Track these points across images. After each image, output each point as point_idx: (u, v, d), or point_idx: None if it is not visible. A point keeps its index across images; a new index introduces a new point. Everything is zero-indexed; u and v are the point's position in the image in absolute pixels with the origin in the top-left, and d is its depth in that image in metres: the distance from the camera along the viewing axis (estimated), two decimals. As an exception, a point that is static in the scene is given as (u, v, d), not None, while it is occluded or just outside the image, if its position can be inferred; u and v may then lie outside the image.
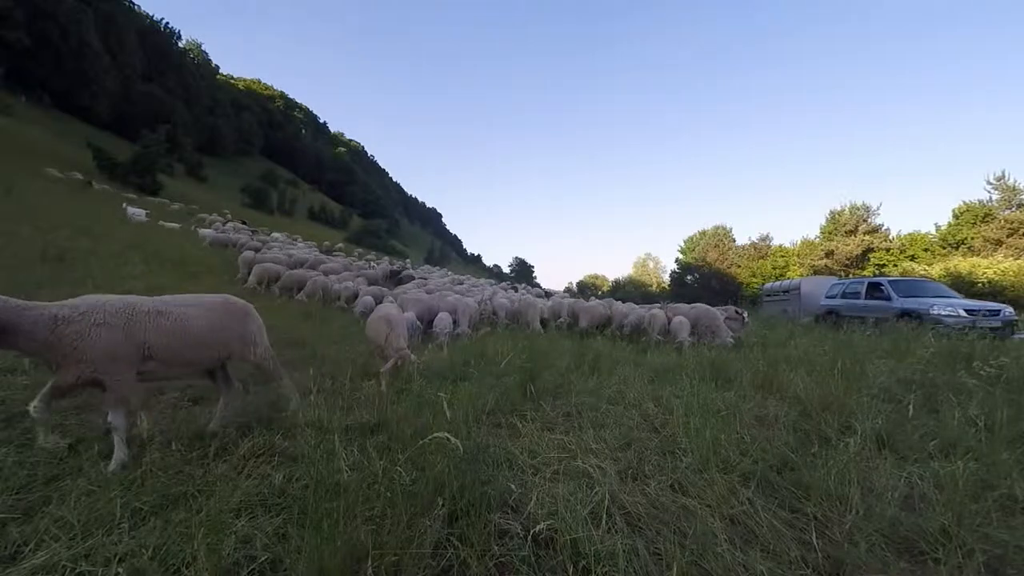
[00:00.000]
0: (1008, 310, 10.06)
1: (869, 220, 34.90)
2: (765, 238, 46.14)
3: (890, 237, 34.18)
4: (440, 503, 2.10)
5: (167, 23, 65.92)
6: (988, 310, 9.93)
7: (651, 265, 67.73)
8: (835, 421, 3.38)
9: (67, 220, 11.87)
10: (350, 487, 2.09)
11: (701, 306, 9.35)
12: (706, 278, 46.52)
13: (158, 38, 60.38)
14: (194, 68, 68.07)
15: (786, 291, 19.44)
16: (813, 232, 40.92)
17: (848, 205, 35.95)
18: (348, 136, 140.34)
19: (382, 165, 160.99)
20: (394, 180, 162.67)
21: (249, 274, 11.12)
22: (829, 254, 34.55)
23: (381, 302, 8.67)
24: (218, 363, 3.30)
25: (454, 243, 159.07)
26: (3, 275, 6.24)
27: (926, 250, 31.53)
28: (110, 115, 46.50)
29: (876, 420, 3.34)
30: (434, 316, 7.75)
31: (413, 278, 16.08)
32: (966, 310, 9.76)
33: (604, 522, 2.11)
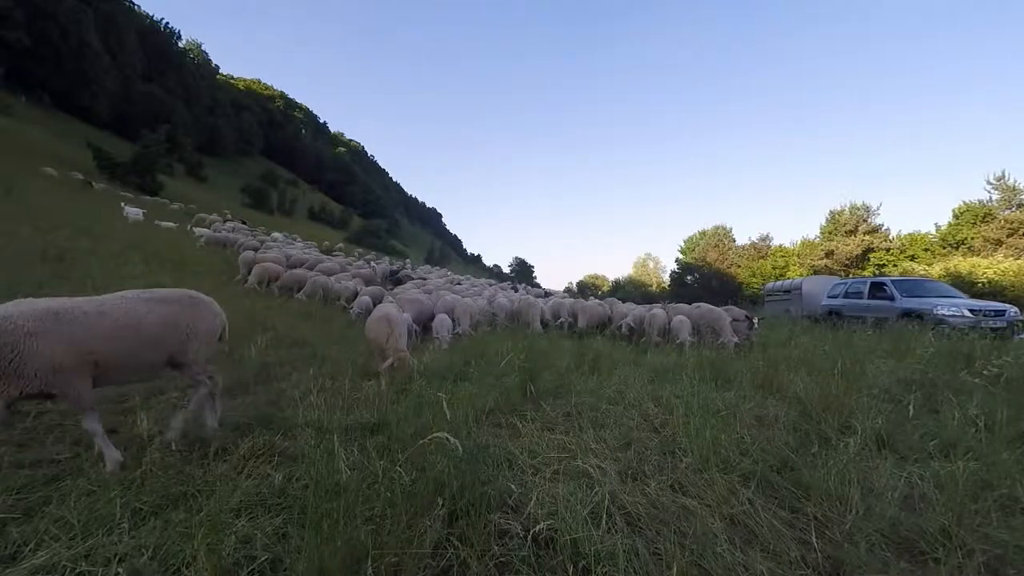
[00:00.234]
0: (1013, 310, 9.87)
1: (869, 220, 34.88)
2: (765, 238, 46.14)
3: (890, 237, 34.17)
4: (440, 503, 2.10)
5: (167, 23, 65.99)
6: (993, 310, 9.74)
7: (651, 265, 67.70)
8: (835, 421, 3.37)
9: (67, 220, 11.87)
10: (350, 487, 2.09)
11: (705, 306, 9.21)
12: (706, 278, 46.50)
13: (158, 38, 60.39)
14: (194, 68, 68.08)
15: (788, 291, 19.35)
16: (813, 232, 40.89)
17: (848, 205, 35.95)
18: (348, 136, 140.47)
19: (382, 165, 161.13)
20: (394, 180, 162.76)
21: (249, 274, 11.11)
22: (829, 254, 34.53)
23: (379, 302, 8.67)
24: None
25: (454, 243, 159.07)
26: (3, 275, 6.24)
27: (926, 250, 31.51)
28: (110, 115, 46.51)
29: (876, 420, 3.34)
30: (431, 317, 7.74)
31: (411, 278, 16.09)
32: (970, 310, 9.60)
33: (604, 522, 2.10)
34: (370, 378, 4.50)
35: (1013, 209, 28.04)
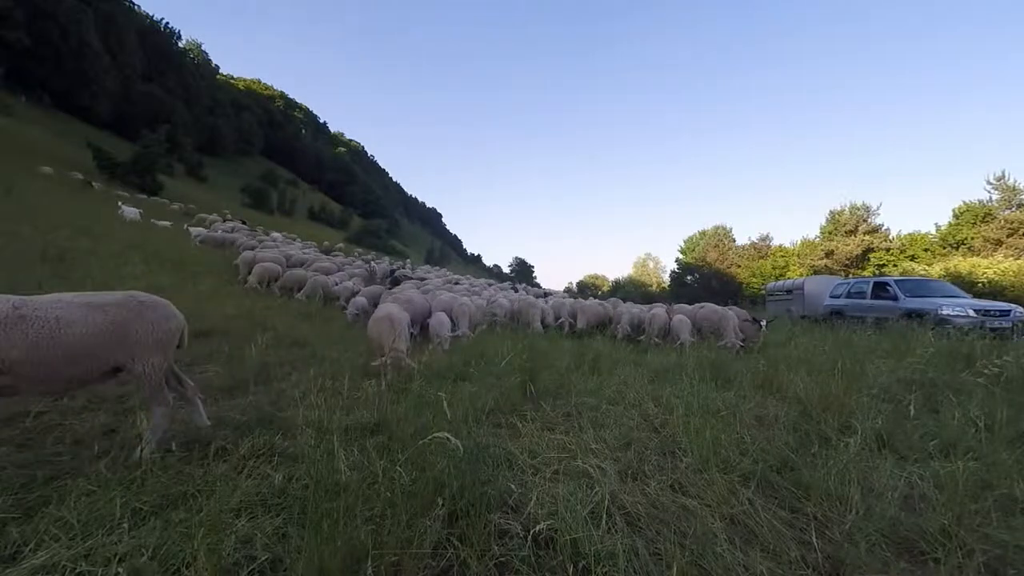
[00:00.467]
0: (1019, 310, 9.68)
1: (869, 220, 34.87)
2: (765, 238, 46.13)
3: (890, 237, 34.16)
4: (440, 503, 2.10)
5: (167, 23, 65.97)
6: (998, 310, 9.61)
7: (651, 265, 67.68)
8: (835, 421, 3.37)
9: (67, 220, 11.87)
10: (350, 487, 2.09)
11: (709, 306, 9.08)
12: (706, 278, 46.49)
13: (158, 38, 60.38)
14: (194, 68, 68.09)
15: (789, 291, 19.29)
16: (813, 232, 40.92)
17: (848, 205, 35.94)
18: (348, 136, 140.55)
19: (382, 165, 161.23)
20: (394, 180, 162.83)
21: (249, 274, 11.11)
22: (829, 254, 34.54)
23: (378, 302, 8.65)
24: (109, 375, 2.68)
25: (454, 243, 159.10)
26: (3, 275, 6.24)
27: (926, 250, 31.51)
28: (110, 115, 46.50)
29: (876, 420, 3.34)
30: (426, 316, 7.68)
31: (409, 278, 16.07)
32: (975, 310, 9.43)
33: (604, 522, 2.11)
34: (370, 378, 4.49)
35: (1013, 209, 28.03)
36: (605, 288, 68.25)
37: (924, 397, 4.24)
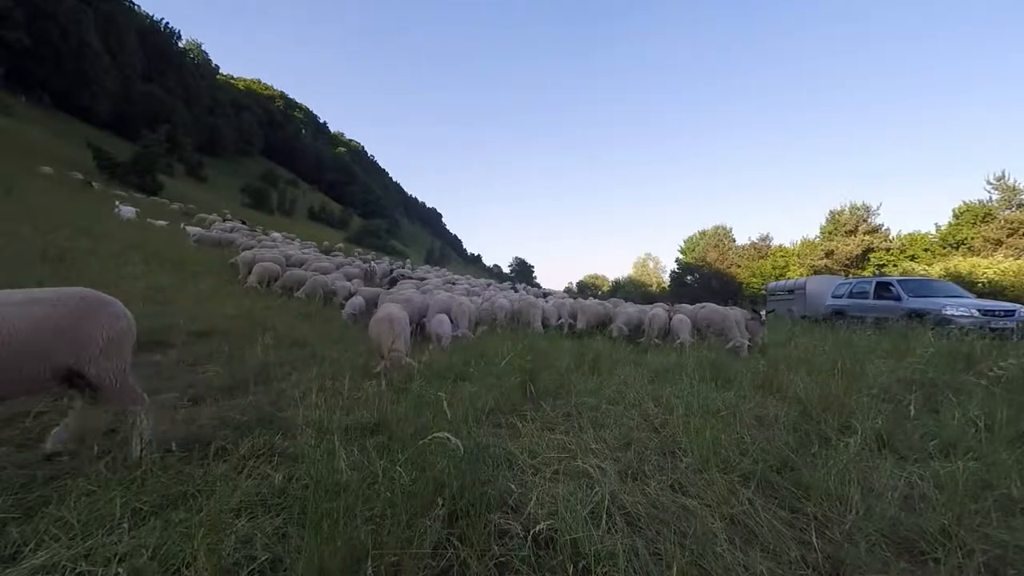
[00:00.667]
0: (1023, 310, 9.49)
1: (869, 220, 34.91)
2: (765, 238, 46.18)
3: (890, 237, 34.20)
4: (440, 503, 2.10)
5: (167, 23, 65.98)
6: (1003, 310, 9.47)
7: (651, 265, 67.73)
8: (835, 421, 3.37)
9: (67, 220, 11.87)
10: (350, 487, 2.09)
11: (710, 306, 8.97)
12: (706, 278, 46.53)
13: (158, 38, 60.39)
14: (194, 68, 68.10)
15: (791, 291, 19.22)
16: (813, 232, 40.99)
17: (848, 205, 35.99)
18: (348, 136, 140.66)
19: (382, 165, 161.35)
20: (394, 180, 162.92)
21: (249, 273, 11.11)
22: (829, 254, 34.57)
23: (376, 302, 8.65)
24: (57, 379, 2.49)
25: (454, 243, 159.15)
26: (3, 275, 6.24)
27: (926, 250, 31.54)
28: (110, 115, 46.51)
29: (876, 420, 3.34)
30: (424, 316, 7.67)
31: (408, 278, 16.05)
32: (980, 310, 9.32)
33: (604, 522, 2.11)
34: (370, 378, 4.49)
35: (1013, 209, 28.06)
36: (605, 288, 68.31)
37: (924, 397, 4.24)
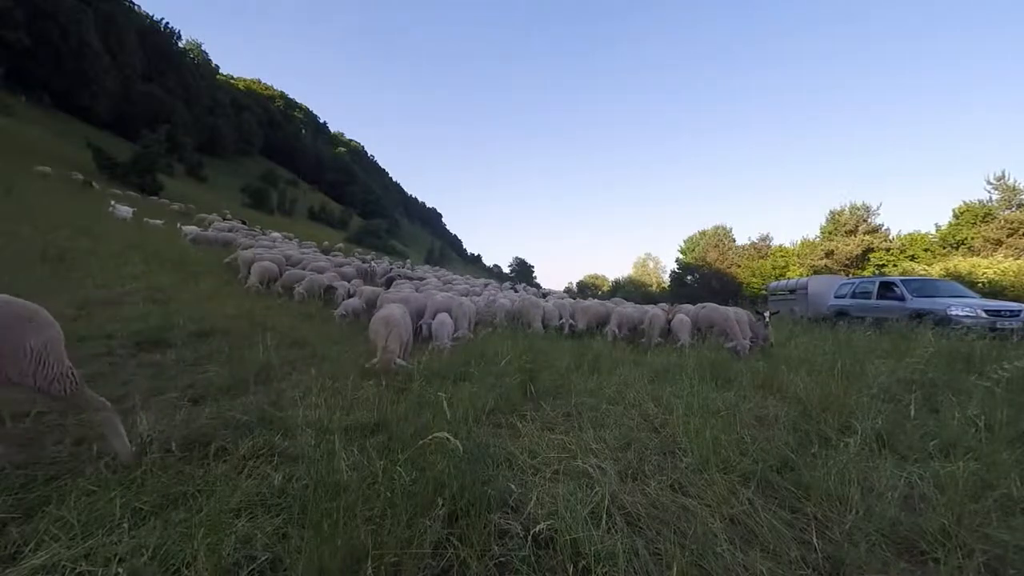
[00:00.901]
0: None
1: (869, 220, 34.88)
2: (765, 238, 46.15)
3: (890, 237, 34.17)
4: (440, 503, 2.10)
5: (167, 23, 65.97)
6: (1009, 310, 9.25)
7: (651, 265, 67.71)
8: (835, 421, 3.38)
9: (67, 220, 11.86)
10: (350, 487, 2.09)
11: (711, 305, 8.89)
12: (706, 278, 46.50)
13: (158, 38, 60.38)
14: (194, 68, 68.08)
15: (792, 290, 19.07)
16: (813, 232, 40.98)
17: (848, 205, 35.96)
18: (348, 136, 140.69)
19: (382, 165, 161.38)
20: (394, 180, 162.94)
21: (249, 273, 11.10)
22: (829, 254, 34.55)
23: (375, 302, 8.63)
24: None
25: (454, 243, 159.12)
26: (3, 275, 6.24)
27: (926, 250, 31.52)
28: (110, 115, 46.52)
29: (876, 420, 3.33)
30: (422, 315, 7.63)
31: (407, 278, 16.03)
32: (986, 310, 9.13)
33: (604, 522, 2.11)
34: (370, 378, 4.49)
35: (1013, 209, 28.04)
36: (605, 288, 68.28)
37: (924, 397, 4.24)
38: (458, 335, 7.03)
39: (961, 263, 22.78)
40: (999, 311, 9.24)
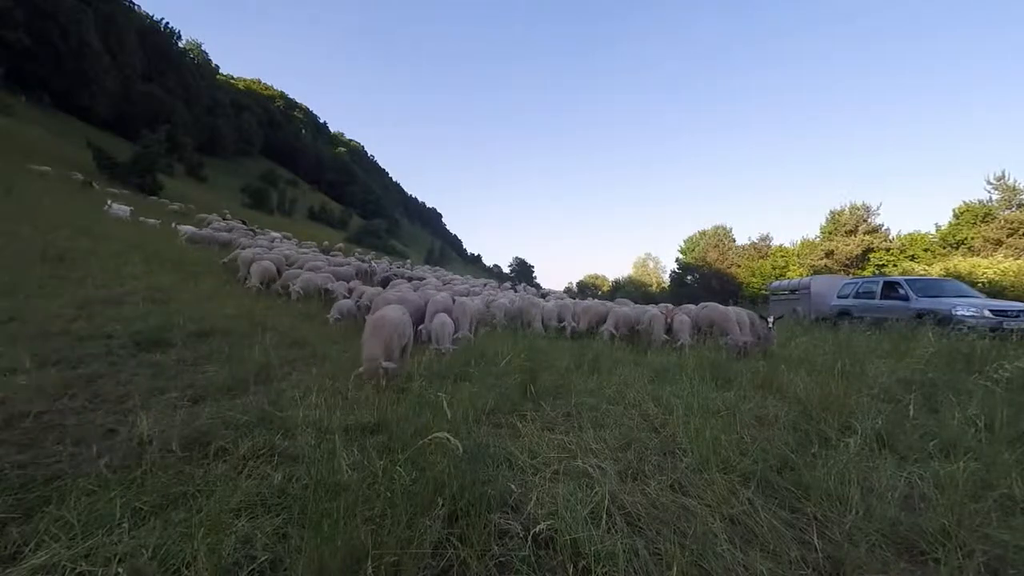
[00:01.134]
0: None
1: (869, 220, 34.89)
2: (765, 238, 46.17)
3: (890, 237, 34.17)
4: (440, 503, 2.10)
5: (167, 23, 66.04)
6: (1015, 310, 9.09)
7: (651, 265, 67.76)
8: (835, 421, 3.37)
9: (67, 220, 11.86)
10: (350, 487, 2.09)
11: (712, 304, 8.86)
12: (706, 278, 46.52)
13: (158, 38, 60.40)
14: (194, 68, 68.11)
15: (794, 290, 18.91)
16: (813, 232, 40.96)
17: (848, 205, 35.96)
18: (348, 136, 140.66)
19: (382, 165, 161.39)
20: (394, 180, 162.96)
21: (249, 273, 11.09)
22: (829, 254, 34.55)
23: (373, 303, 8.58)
24: None
25: (454, 243, 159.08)
26: (3, 275, 6.24)
27: (926, 250, 31.52)
28: (110, 115, 46.53)
29: (876, 420, 3.34)
30: (420, 315, 7.59)
31: (405, 278, 16.01)
32: (992, 311, 8.98)
33: (604, 522, 2.11)
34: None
35: (1013, 209, 28.05)
36: (605, 288, 68.31)
37: (924, 397, 4.24)
38: (459, 336, 6.98)
39: (961, 263, 22.76)
40: (1005, 311, 9.10)
